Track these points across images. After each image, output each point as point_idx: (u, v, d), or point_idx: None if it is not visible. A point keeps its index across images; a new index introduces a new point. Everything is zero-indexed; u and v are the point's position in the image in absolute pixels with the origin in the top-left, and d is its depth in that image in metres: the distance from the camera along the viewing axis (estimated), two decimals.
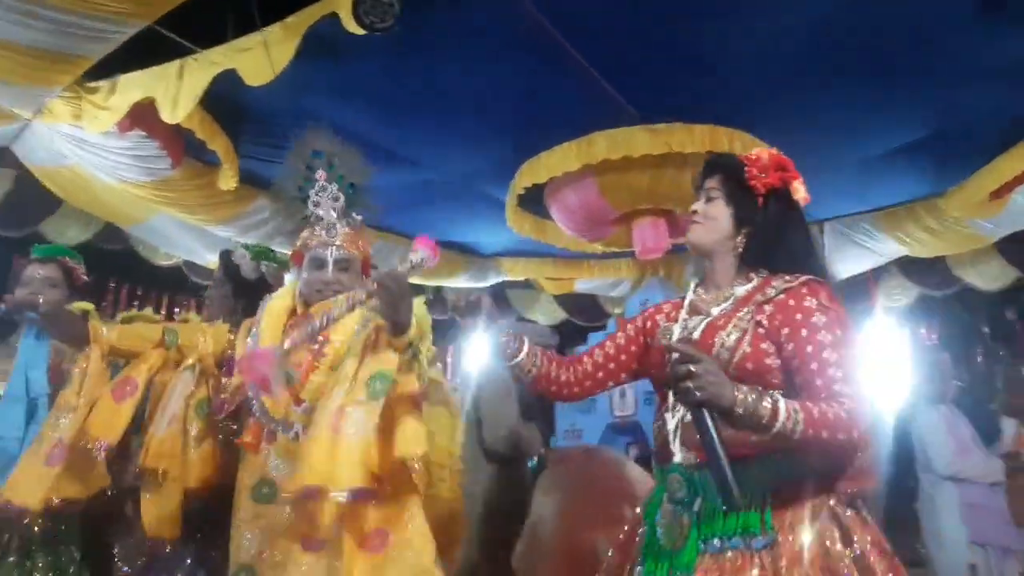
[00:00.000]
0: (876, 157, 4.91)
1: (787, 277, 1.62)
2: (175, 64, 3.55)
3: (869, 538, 1.49)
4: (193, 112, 3.88)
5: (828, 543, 1.46)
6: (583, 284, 7.45)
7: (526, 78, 4.01)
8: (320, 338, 1.99)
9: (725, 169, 1.76)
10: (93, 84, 3.76)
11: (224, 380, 2.24)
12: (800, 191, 1.73)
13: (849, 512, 1.52)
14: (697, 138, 4.16)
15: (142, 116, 3.81)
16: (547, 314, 8.24)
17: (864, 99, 4.20)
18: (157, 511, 2.12)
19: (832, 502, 1.52)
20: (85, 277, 2.66)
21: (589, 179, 4.47)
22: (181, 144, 4.41)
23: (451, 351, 10.49)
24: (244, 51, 3.39)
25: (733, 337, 1.57)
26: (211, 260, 6.20)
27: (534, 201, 4.98)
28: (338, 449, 1.72)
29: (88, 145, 4.30)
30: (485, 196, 5.47)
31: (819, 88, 4.08)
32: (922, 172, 5.13)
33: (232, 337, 2.30)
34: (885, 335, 7.33)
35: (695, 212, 1.75)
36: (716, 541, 1.49)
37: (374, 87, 4.10)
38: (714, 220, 1.73)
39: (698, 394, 1.34)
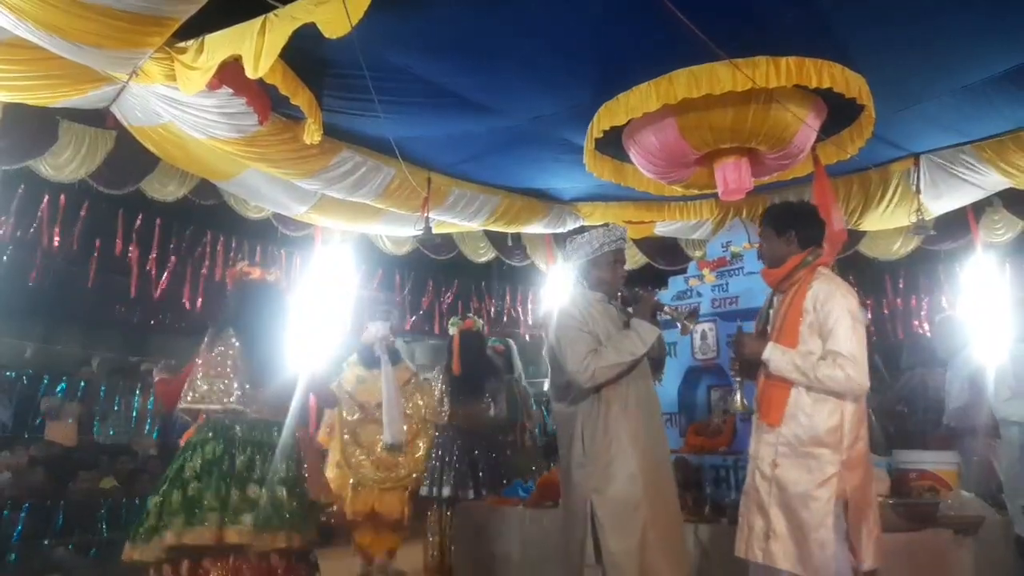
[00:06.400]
0: (979, 84, 4.59)
1: None
2: (257, 21, 3.62)
3: None
4: (276, 68, 3.97)
5: None
6: (663, 227, 7.35)
7: (603, 18, 3.92)
8: None
9: None
10: (182, 44, 3.89)
11: None
12: None
13: None
14: (783, 72, 3.98)
15: (229, 74, 3.92)
16: (627, 258, 8.17)
17: (967, 22, 3.91)
18: None
19: None
20: None
21: (669, 119, 4.36)
22: (267, 100, 4.53)
23: (531, 297, 10.61)
24: (322, 4, 3.42)
25: None
26: (298, 212, 6.41)
27: (613, 145, 4.91)
28: None
29: (179, 104, 4.47)
30: (563, 141, 5.41)
31: (918, 12, 3.83)
32: None
33: None
34: (986, 271, 7.01)
35: None
36: None
37: (451, 35, 4.08)
38: None
39: None
